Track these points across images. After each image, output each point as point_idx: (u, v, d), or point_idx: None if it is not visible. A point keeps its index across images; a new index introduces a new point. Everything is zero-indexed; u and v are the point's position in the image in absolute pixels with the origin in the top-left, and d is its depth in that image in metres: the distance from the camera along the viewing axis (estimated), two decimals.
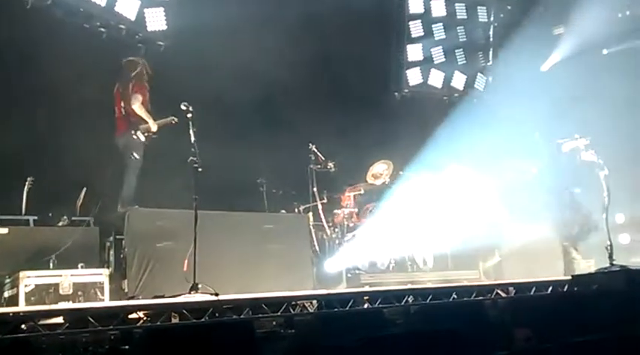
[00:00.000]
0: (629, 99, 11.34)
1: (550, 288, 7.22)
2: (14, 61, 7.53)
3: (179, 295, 5.88)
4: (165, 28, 9.24)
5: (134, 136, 7.43)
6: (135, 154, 7.39)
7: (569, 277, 7.24)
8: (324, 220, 9.10)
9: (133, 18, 8.98)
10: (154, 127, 7.52)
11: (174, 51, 9.26)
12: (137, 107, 7.47)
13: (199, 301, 5.57)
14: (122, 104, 7.55)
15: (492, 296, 6.92)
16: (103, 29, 8.76)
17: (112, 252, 7.25)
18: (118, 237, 7.17)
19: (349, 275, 8.48)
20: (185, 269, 6.30)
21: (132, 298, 6.42)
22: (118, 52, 8.17)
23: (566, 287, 7.21)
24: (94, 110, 7.99)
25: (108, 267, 6.96)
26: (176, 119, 7.49)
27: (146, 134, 7.51)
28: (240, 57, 9.10)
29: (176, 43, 9.25)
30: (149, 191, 7.73)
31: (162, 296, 6.00)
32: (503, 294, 7.09)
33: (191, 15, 8.99)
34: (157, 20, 9.19)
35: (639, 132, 10.85)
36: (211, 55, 8.82)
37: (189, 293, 5.95)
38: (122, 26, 8.93)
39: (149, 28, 9.12)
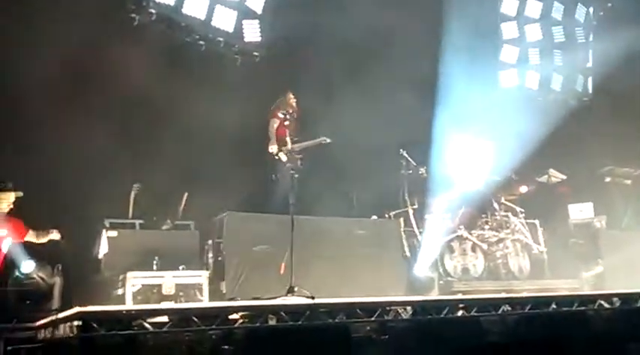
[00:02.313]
0: None
1: None
2: (125, 74, 8.00)
3: (276, 297, 6.03)
4: (259, 39, 9.52)
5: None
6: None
7: None
8: (415, 226, 9.02)
9: (230, 30, 9.31)
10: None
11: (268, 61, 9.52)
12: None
13: (297, 304, 5.70)
14: None
15: (595, 307, 6.60)
16: (202, 42, 9.15)
17: (210, 255, 7.55)
18: (217, 240, 7.44)
19: (441, 281, 8.36)
20: (282, 272, 6.46)
21: (231, 299, 6.65)
22: (216, 64, 8.51)
23: None
24: (195, 120, 8.38)
25: (207, 269, 7.25)
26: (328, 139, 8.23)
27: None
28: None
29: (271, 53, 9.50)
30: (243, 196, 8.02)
31: (259, 298, 6.17)
32: (607, 305, 6.75)
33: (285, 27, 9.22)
34: (252, 31, 9.48)
35: None
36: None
37: (286, 295, 6.08)
38: (220, 39, 9.28)
39: (246, 39, 9.41)
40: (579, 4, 12.90)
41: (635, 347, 4.77)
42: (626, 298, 6.83)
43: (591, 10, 13.10)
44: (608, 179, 10.82)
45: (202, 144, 8.51)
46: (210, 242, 7.59)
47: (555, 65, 12.61)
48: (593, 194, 10.61)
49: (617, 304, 6.78)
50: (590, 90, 12.94)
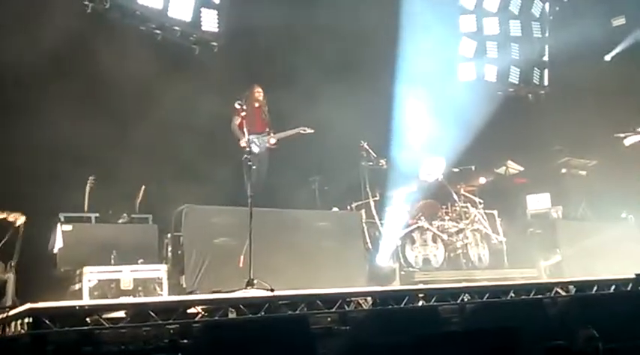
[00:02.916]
0: None
1: (613, 287, 7.00)
2: (76, 63, 7.79)
3: (236, 290, 5.97)
4: (217, 29, 9.38)
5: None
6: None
7: (633, 276, 6.98)
8: (376, 217, 9.06)
9: (188, 19, 9.14)
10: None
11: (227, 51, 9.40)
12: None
13: (256, 296, 5.66)
14: None
15: (552, 295, 6.75)
16: (158, 31, 8.96)
17: (169, 249, 7.42)
18: (175, 233, 7.32)
19: (402, 272, 8.41)
20: (241, 265, 6.39)
21: (190, 293, 6.57)
22: (172, 53, 8.36)
23: (630, 286, 6.96)
24: (153, 110, 8.21)
25: (166, 263, 7.13)
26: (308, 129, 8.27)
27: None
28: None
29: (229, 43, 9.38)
30: (204, 189, 7.90)
31: (220, 292, 6.10)
32: (564, 293, 6.91)
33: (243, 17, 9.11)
34: (210, 21, 9.33)
35: None
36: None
37: (246, 288, 6.03)
38: (177, 28, 9.11)
39: (204, 28, 9.26)
40: None
41: (584, 332, 4.88)
42: (581, 285, 7.01)
43: (547, 5, 13.37)
44: (564, 170, 11.08)
45: (160, 135, 8.33)
46: (169, 235, 7.46)
47: (513, 58, 12.83)
48: (549, 185, 10.86)
49: (573, 291, 6.95)
50: (547, 84, 13.21)
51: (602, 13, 12.94)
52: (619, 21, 13.35)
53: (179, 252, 7.17)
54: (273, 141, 8.41)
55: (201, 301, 5.46)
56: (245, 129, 7.48)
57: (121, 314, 5.04)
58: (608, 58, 13.42)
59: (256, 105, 8.40)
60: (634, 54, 12.82)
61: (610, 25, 13.38)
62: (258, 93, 8.46)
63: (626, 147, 7.87)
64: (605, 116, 10.83)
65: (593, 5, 12.27)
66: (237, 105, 7.52)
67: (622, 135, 7.86)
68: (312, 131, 8.45)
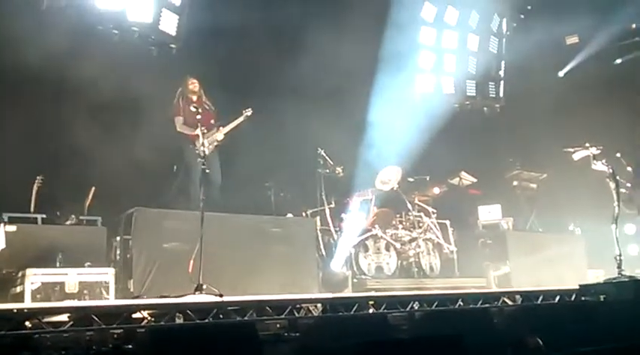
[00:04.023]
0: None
1: (558, 298, 7.18)
2: (29, 61, 7.58)
3: (184, 295, 5.88)
4: (176, 31, 9.27)
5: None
6: None
7: (577, 287, 7.17)
8: (331, 224, 9.08)
9: (149, 20, 9.01)
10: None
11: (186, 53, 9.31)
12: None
13: (203, 302, 5.59)
14: None
15: (499, 304, 6.87)
16: (116, 31, 8.81)
17: (118, 252, 7.27)
18: (125, 236, 7.19)
19: (355, 279, 8.45)
20: (190, 270, 6.31)
21: (137, 298, 6.44)
22: (130, 54, 8.23)
23: (573, 296, 7.15)
24: (105, 110, 8.05)
25: (114, 267, 6.98)
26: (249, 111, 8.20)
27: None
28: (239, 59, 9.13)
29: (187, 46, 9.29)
30: (155, 191, 7.79)
31: (167, 297, 6.00)
32: (510, 302, 7.04)
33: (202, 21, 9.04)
34: (170, 23, 9.21)
35: None
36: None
37: (194, 293, 5.95)
38: (135, 28, 8.97)
39: (163, 30, 9.14)
40: (495, 14, 13.45)
41: (529, 341, 4.98)
42: (527, 295, 7.16)
43: (505, 21, 13.68)
44: (515, 182, 11.33)
45: (113, 136, 8.17)
46: (118, 238, 7.32)
47: (469, 72, 13.07)
48: (501, 196, 11.09)
49: (519, 301, 7.10)
50: (502, 98, 13.50)
51: (557, 31, 13.33)
52: (572, 39, 13.78)
53: (128, 255, 7.03)
54: (220, 137, 8.23)
55: (147, 306, 5.36)
56: (199, 132, 7.21)
57: (64, 317, 4.90)
58: (561, 74, 13.85)
59: (194, 98, 8.16)
60: (585, 71, 13.25)
61: (564, 43, 13.81)
62: (193, 84, 8.21)
63: (574, 161, 8.07)
64: (556, 131, 11.13)
65: (548, 23, 12.60)
66: (190, 108, 7.45)
67: (571, 149, 8.04)
68: (251, 111, 8.27)
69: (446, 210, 10.06)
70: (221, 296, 5.70)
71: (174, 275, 6.69)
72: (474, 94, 13.12)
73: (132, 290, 6.76)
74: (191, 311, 5.29)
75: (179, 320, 5.32)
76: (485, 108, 13.36)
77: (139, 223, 6.97)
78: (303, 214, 9.21)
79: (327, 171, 9.29)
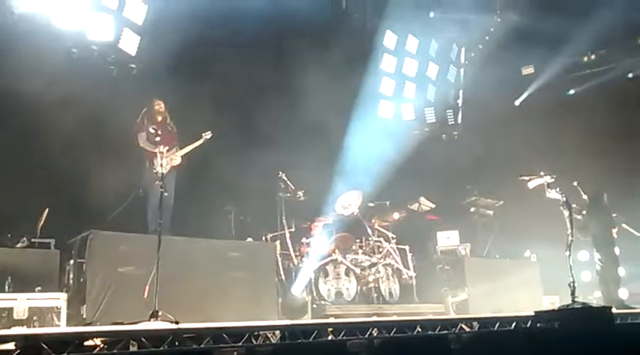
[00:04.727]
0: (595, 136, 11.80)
1: (514, 324, 7.27)
2: None
3: (138, 322, 5.72)
4: (136, 51, 9.18)
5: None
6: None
7: (532, 313, 7.28)
8: (291, 249, 9.03)
9: (110, 39, 8.91)
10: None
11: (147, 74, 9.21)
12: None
13: (159, 329, 5.45)
14: None
15: (457, 331, 6.92)
16: (75, 50, 8.67)
17: (71, 276, 7.05)
18: (79, 260, 6.98)
19: (314, 305, 8.40)
20: (146, 295, 6.15)
21: (89, 324, 6.23)
22: (88, 73, 8.10)
23: (529, 323, 7.25)
24: (60, 129, 7.87)
25: (67, 292, 6.76)
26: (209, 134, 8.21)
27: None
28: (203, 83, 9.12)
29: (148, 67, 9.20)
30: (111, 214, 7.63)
31: (121, 323, 5.83)
32: (468, 329, 7.10)
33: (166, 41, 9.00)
34: (130, 43, 9.12)
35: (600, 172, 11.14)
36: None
37: (149, 320, 5.80)
38: (94, 47, 8.85)
39: (124, 50, 9.04)
40: (454, 44, 13.80)
41: None
42: (484, 322, 7.23)
43: (463, 50, 14.05)
44: (472, 209, 11.52)
45: (69, 156, 7.97)
46: (72, 262, 7.10)
47: (429, 100, 13.33)
48: (459, 222, 11.25)
49: (476, 328, 7.16)
50: (460, 125, 13.79)
51: (514, 61, 13.77)
52: (528, 70, 14.24)
53: (81, 279, 6.82)
54: (178, 160, 8.22)
55: (100, 333, 5.18)
56: (159, 150, 7.16)
57: (10, 346, 4.70)
58: (517, 103, 14.27)
59: (159, 118, 8.27)
60: (541, 101, 13.68)
61: (520, 73, 14.25)
62: (159, 105, 8.34)
63: (530, 189, 8.26)
64: (512, 159, 11.39)
65: (505, 54, 13.01)
66: (150, 129, 7.38)
67: (526, 178, 8.25)
68: (211, 134, 8.33)
69: (405, 236, 10.14)
70: (177, 323, 5.56)
71: (129, 300, 6.51)
72: (434, 121, 13.37)
73: (85, 316, 6.54)
74: (145, 338, 5.14)
75: (133, 348, 5.16)
76: (443, 136, 13.64)
77: (94, 246, 6.77)
78: (264, 238, 9.14)
79: (288, 195, 9.28)
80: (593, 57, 13.84)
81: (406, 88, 13.04)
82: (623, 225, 10.12)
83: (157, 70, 9.16)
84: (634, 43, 13.26)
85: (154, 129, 7.46)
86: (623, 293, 9.90)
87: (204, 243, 7.68)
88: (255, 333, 5.74)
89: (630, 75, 13.32)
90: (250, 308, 7.38)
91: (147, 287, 6.18)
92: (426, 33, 13.10)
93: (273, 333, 5.99)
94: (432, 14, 12.79)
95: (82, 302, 6.66)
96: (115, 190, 8.03)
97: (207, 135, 8.32)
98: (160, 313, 5.88)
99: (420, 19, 12.68)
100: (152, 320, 5.80)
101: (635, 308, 9.35)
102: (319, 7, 10.40)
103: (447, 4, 12.63)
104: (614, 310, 7.58)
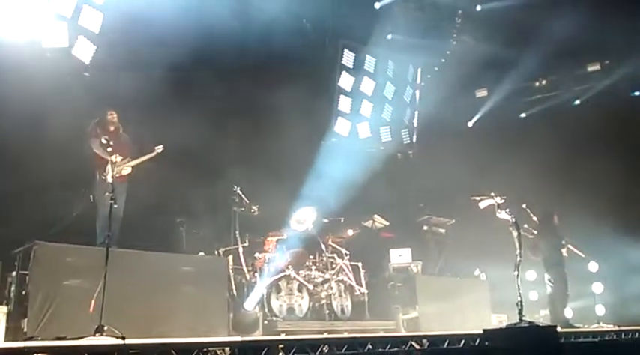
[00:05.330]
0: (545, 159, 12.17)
1: (463, 342, 7.37)
2: None
3: (82, 337, 5.54)
4: (91, 59, 9.02)
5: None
6: None
7: (481, 331, 7.39)
8: (244, 264, 8.95)
9: (65, 45, 8.75)
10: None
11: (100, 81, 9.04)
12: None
13: (103, 344, 5.29)
14: None
15: (407, 348, 6.96)
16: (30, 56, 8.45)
17: (13, 288, 6.79)
18: (22, 272, 6.73)
19: (266, 321, 8.31)
20: (91, 309, 5.97)
21: (30, 338, 5.99)
22: (40, 79, 7.89)
23: (477, 341, 7.36)
24: (10, 137, 7.65)
25: (7, 304, 6.51)
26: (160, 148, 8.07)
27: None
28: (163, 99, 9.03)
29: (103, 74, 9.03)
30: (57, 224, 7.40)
31: (64, 338, 5.63)
32: (418, 346, 7.15)
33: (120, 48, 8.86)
34: (84, 50, 8.96)
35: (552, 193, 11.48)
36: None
37: (94, 335, 5.62)
38: (49, 54, 8.66)
39: (74, 53, 8.87)
40: (410, 65, 14.06)
41: None
42: (434, 339, 7.30)
43: (420, 71, 14.33)
44: (425, 227, 11.68)
45: (16, 164, 7.71)
46: (14, 273, 6.84)
47: (385, 119, 13.50)
48: (412, 240, 11.38)
49: (426, 345, 7.23)
50: (415, 145, 14.01)
51: (468, 84, 14.13)
52: (482, 93, 14.65)
53: (23, 292, 6.57)
54: (127, 170, 8.04)
55: (41, 348, 4.98)
56: (113, 158, 7.11)
57: None
58: (470, 124, 14.62)
59: (111, 128, 8.14)
60: (493, 123, 14.05)
61: (474, 96, 14.63)
62: (112, 115, 8.22)
63: (481, 209, 8.44)
64: (464, 179, 11.62)
65: (460, 77, 13.33)
66: (103, 139, 7.24)
67: (477, 198, 8.42)
68: (162, 147, 8.18)
69: (359, 252, 10.18)
70: (123, 338, 5.40)
71: (74, 314, 6.30)
72: (390, 140, 13.54)
73: (25, 330, 6.29)
74: (89, 354, 4.99)
75: None
76: (398, 154, 13.81)
77: (38, 258, 6.55)
78: (216, 253, 9.03)
79: (243, 209, 9.21)
80: (544, 82, 14.34)
81: (363, 106, 13.17)
82: (569, 246, 10.42)
83: (112, 80, 8.98)
84: (583, 71, 13.80)
85: (106, 139, 7.30)
86: (568, 313, 10.16)
87: (154, 257, 7.52)
88: (204, 349, 5.65)
89: (577, 101, 13.85)
90: (201, 323, 7.25)
91: (93, 301, 5.99)
92: (384, 54, 13.31)
93: (223, 350, 5.91)
94: (389, 36, 13.00)
95: (23, 316, 6.42)
96: (64, 200, 7.81)
97: (159, 148, 8.19)
98: (105, 328, 5.70)
99: (379, 40, 12.87)
100: (97, 335, 5.62)
101: (579, 328, 9.63)
102: (279, 25, 10.42)
103: (404, 27, 12.86)
104: (559, 329, 7.78)
